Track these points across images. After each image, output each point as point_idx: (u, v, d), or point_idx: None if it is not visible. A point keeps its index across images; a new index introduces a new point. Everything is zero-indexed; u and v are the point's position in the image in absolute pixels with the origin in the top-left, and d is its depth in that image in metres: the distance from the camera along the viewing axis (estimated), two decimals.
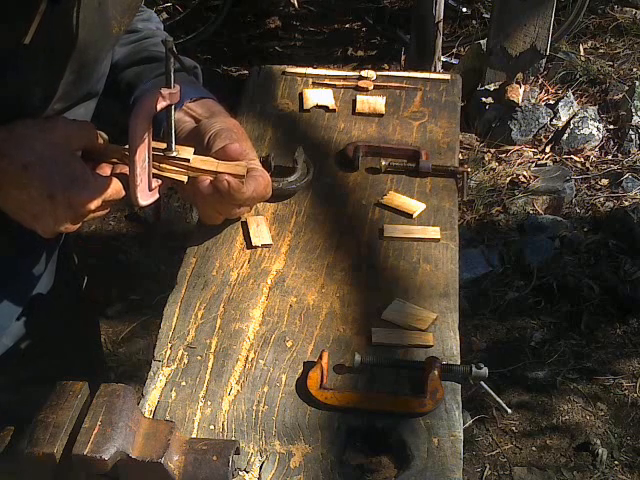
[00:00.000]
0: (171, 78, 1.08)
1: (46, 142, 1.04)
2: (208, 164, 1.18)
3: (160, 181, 1.16)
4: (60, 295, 1.40)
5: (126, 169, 1.12)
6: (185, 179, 1.17)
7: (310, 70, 1.67)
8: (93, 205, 1.06)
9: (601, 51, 4.44)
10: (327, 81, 1.64)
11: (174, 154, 1.15)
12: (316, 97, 1.60)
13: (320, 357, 1.07)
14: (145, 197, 1.14)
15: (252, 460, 0.98)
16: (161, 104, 1.08)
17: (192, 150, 1.17)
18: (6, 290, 1.27)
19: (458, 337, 1.15)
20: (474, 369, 1.07)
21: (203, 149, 1.20)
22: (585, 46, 4.44)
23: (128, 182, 1.11)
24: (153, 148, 1.13)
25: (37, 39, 1.00)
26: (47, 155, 1.03)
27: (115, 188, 1.10)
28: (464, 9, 4.74)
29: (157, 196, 1.16)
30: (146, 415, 1.01)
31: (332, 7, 4.92)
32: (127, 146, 1.11)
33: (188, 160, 1.16)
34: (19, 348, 1.35)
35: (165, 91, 1.08)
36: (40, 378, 1.12)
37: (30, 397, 0.95)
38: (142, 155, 1.10)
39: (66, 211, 1.05)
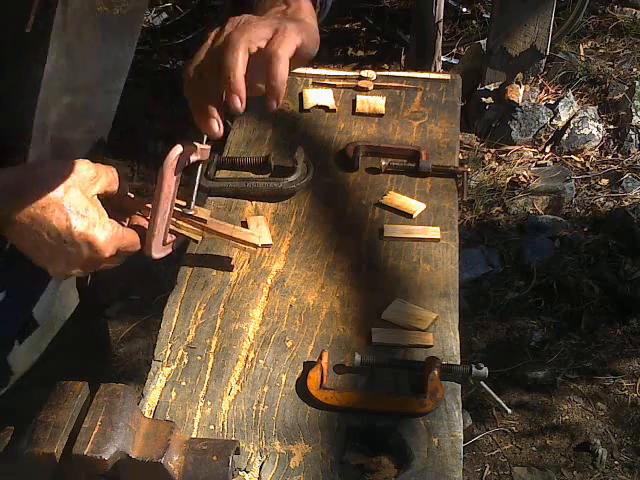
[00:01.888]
0: (204, 138, 1.11)
1: (67, 185, 1.04)
2: (223, 228, 1.21)
3: (174, 237, 1.17)
4: (67, 293, 1.41)
5: (143, 222, 1.13)
6: (199, 239, 1.20)
7: (310, 70, 1.67)
8: (107, 253, 1.05)
9: (601, 51, 4.44)
10: (327, 81, 1.65)
11: (191, 212, 1.17)
12: (316, 97, 1.60)
13: (320, 357, 1.07)
14: (158, 250, 1.15)
15: (252, 460, 0.98)
16: (192, 159, 1.11)
17: (209, 212, 1.21)
18: (16, 288, 1.27)
19: (458, 337, 1.15)
20: (474, 369, 1.07)
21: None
22: (585, 46, 4.44)
23: (145, 232, 1.13)
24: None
25: (37, 26, 1.00)
26: (66, 198, 1.03)
27: (131, 239, 1.10)
28: (464, 9, 4.74)
29: (170, 251, 1.17)
30: (146, 415, 1.01)
31: (332, 7, 4.92)
32: (145, 198, 1.14)
33: (205, 221, 1.19)
34: (27, 348, 1.36)
35: (199, 146, 1.11)
36: (47, 379, 1.12)
37: (38, 398, 0.95)
38: (165, 207, 1.12)
39: (80, 256, 1.04)
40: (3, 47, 1.04)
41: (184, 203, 1.17)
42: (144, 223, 1.14)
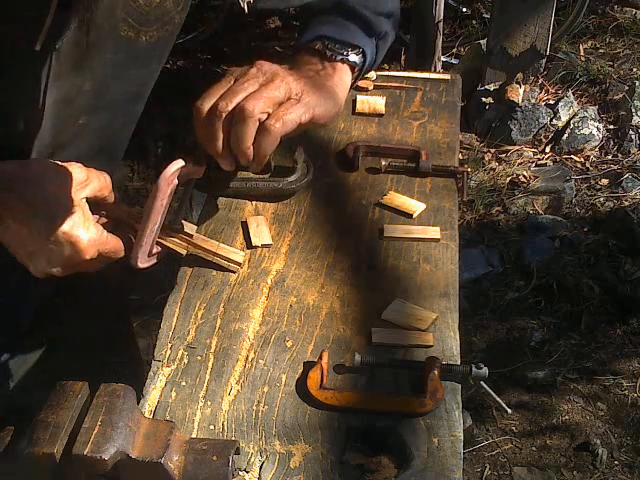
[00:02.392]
0: (201, 153, 1.17)
1: (57, 184, 1.05)
2: (208, 244, 1.24)
3: (160, 248, 1.19)
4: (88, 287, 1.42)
5: (128, 230, 1.15)
6: (184, 252, 1.22)
7: None
8: (88, 254, 1.06)
9: (601, 51, 4.44)
10: None
11: (178, 227, 1.20)
12: None
13: (320, 357, 1.07)
14: (143, 261, 1.17)
15: (252, 460, 0.98)
16: (187, 174, 1.16)
17: (195, 228, 1.23)
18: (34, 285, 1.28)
19: (458, 337, 1.15)
20: (474, 369, 1.07)
21: None
22: (585, 46, 4.44)
23: (130, 242, 1.15)
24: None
25: (47, 44, 1.00)
26: (55, 197, 1.04)
27: (114, 245, 1.11)
28: (464, 9, 4.75)
29: (154, 261, 1.19)
30: (146, 415, 1.01)
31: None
32: (135, 208, 1.15)
33: (191, 236, 1.21)
34: (51, 344, 1.37)
35: (195, 165, 1.17)
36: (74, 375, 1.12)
37: (38, 400, 0.95)
38: (156, 219, 1.13)
39: (61, 254, 1.05)
40: (17, 62, 1.04)
41: (172, 217, 1.20)
42: (130, 232, 1.16)
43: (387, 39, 1.39)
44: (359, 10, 1.33)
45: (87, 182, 1.08)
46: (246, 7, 0.85)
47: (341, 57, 1.30)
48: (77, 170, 1.08)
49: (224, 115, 1.15)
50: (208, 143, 1.18)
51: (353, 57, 1.31)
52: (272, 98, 1.16)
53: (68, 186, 1.06)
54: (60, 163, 1.09)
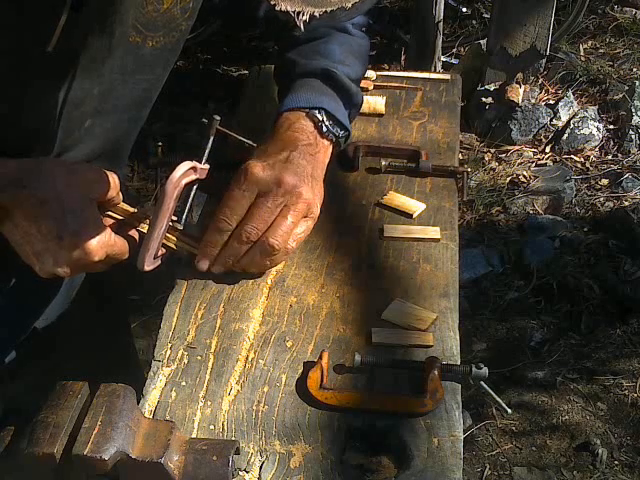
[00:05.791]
0: (205, 154, 1.18)
1: (68, 184, 1.05)
2: None
3: (164, 250, 1.19)
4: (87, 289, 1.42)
5: (132, 231, 1.16)
6: (186, 253, 1.23)
7: None
8: (96, 256, 1.06)
9: (601, 51, 4.44)
10: None
11: (181, 228, 1.20)
12: None
13: (320, 357, 1.07)
14: (150, 263, 1.17)
15: (252, 460, 0.98)
16: (191, 177, 1.16)
17: (199, 229, 1.23)
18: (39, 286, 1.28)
19: (458, 337, 1.15)
20: (474, 369, 1.07)
21: None
22: (585, 46, 4.44)
23: (137, 244, 1.15)
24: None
25: (59, 46, 1.00)
26: (66, 196, 1.04)
27: (121, 247, 1.11)
28: (464, 9, 4.74)
29: (159, 263, 1.19)
30: (146, 415, 1.01)
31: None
32: (139, 209, 1.16)
33: (195, 237, 1.21)
34: (51, 346, 1.37)
35: (199, 166, 1.17)
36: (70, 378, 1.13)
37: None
38: (162, 222, 1.14)
39: (68, 254, 1.05)
40: (28, 64, 1.04)
41: (175, 218, 1.20)
42: (134, 233, 1.15)
43: (359, 107, 1.40)
44: (346, 83, 1.33)
45: (97, 182, 1.08)
46: (302, 26, 0.85)
47: (333, 137, 1.29)
48: (88, 170, 1.09)
49: (248, 243, 1.17)
50: (211, 252, 1.19)
51: (342, 139, 1.32)
52: (294, 227, 1.18)
53: (79, 186, 1.06)
54: (71, 163, 1.09)
